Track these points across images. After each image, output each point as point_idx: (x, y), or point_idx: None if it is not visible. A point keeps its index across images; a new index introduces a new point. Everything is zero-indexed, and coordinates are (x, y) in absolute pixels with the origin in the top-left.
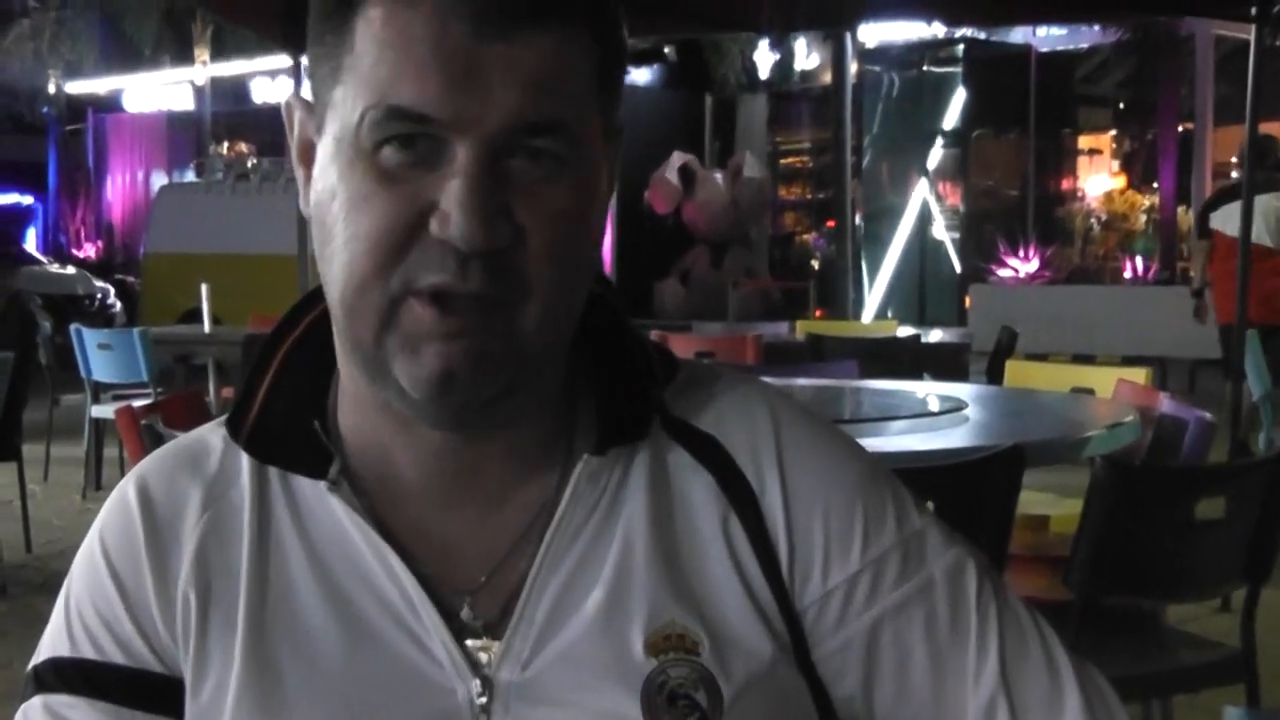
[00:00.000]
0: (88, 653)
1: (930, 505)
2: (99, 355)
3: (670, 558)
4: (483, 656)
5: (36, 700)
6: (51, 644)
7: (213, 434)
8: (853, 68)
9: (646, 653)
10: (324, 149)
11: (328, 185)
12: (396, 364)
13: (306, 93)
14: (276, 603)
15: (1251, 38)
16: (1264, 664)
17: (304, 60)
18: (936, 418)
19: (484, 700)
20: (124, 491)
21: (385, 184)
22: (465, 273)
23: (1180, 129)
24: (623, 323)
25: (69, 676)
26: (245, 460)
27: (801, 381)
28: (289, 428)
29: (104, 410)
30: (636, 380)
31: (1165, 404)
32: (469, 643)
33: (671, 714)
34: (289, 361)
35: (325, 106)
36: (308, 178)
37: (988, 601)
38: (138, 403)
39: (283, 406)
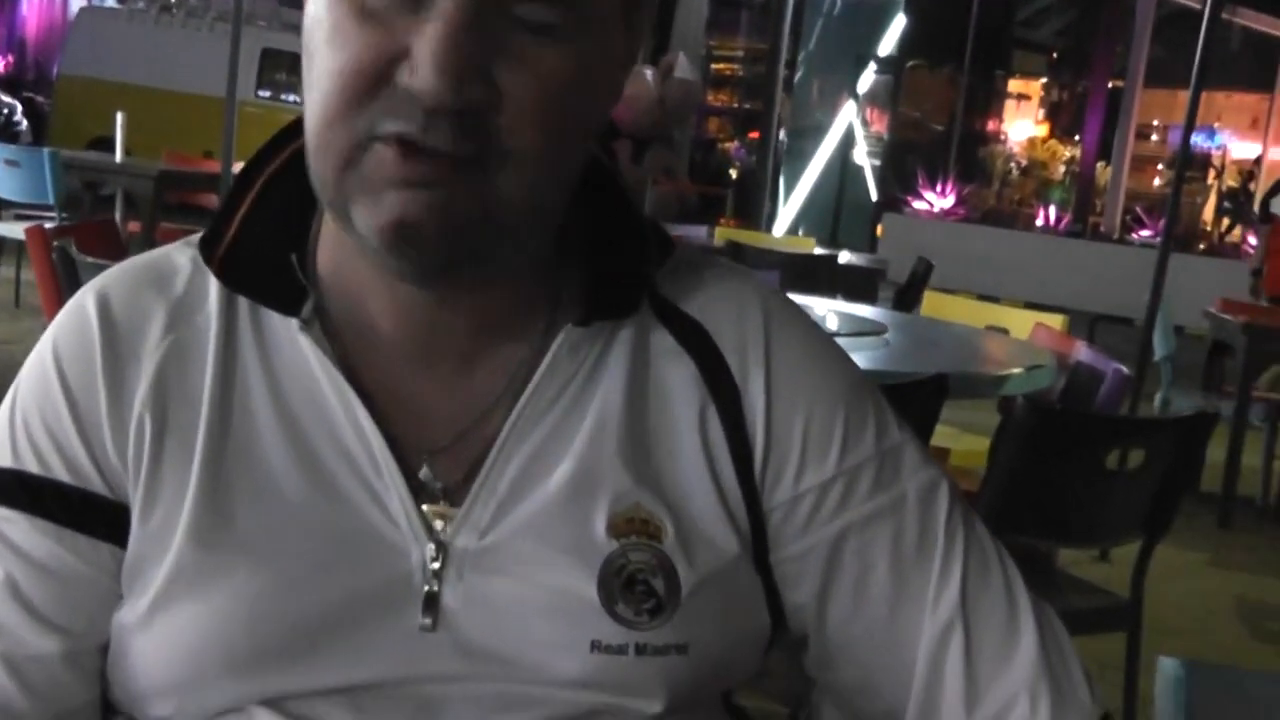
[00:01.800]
0: (31, 466)
1: None
2: (5, 171)
3: (642, 440)
4: (439, 522)
5: None
6: None
7: (180, 254)
8: None
9: (608, 533)
10: None
11: (315, 12)
12: (355, 207)
13: None
14: (236, 438)
15: (1206, 4)
16: (1146, 617)
17: None
18: (858, 339)
19: (437, 566)
20: (82, 302)
21: (364, 20)
22: (429, 126)
23: (1110, 85)
24: (623, 195)
25: (9, 489)
26: (214, 286)
27: None
28: (264, 259)
29: (11, 229)
30: (630, 256)
31: (1083, 352)
32: (425, 507)
33: (627, 598)
34: (269, 190)
35: None
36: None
37: (956, 526)
38: (46, 224)
39: (259, 235)
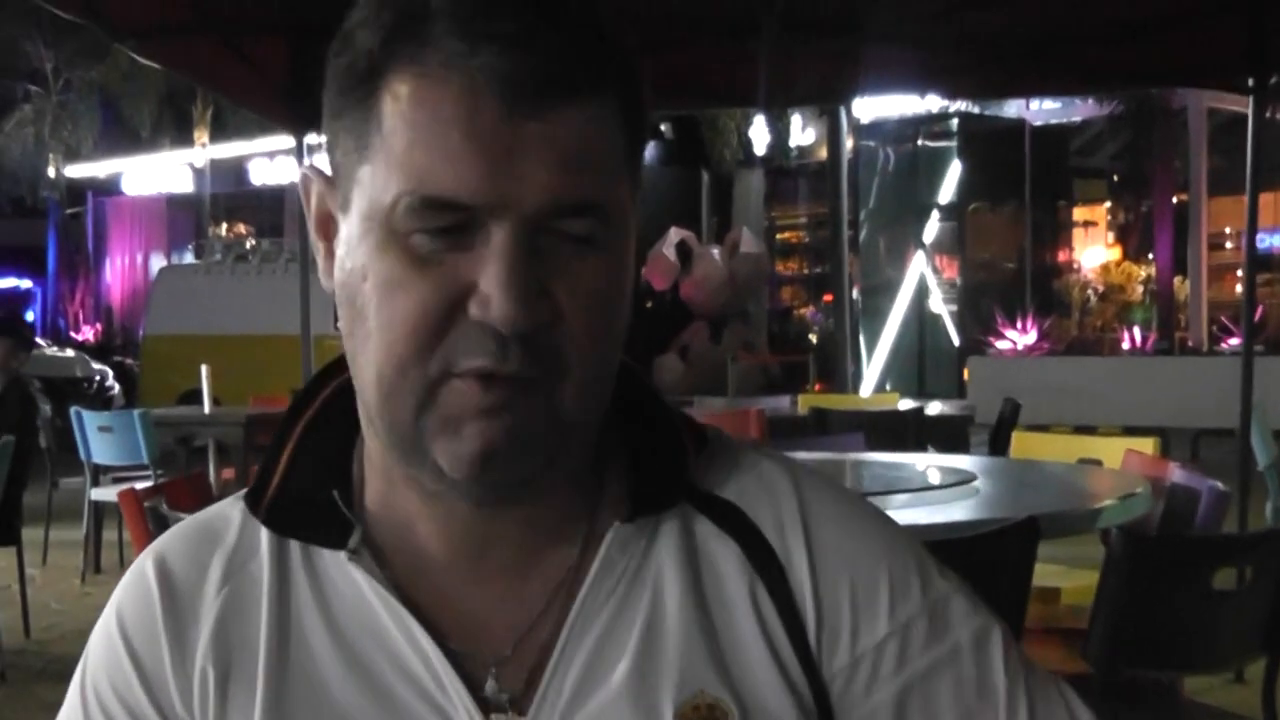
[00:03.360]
0: None
1: None
2: (99, 437)
3: (700, 626)
4: None
5: None
6: None
7: (231, 508)
8: (848, 142)
9: None
10: (350, 226)
11: (357, 265)
12: (436, 445)
13: (322, 165)
14: (297, 675)
15: (1249, 110)
16: None
17: (310, 139)
18: (947, 490)
19: None
20: (142, 567)
21: (420, 267)
22: (506, 354)
23: (1175, 200)
24: (652, 394)
25: None
26: (264, 533)
27: (808, 456)
28: (308, 500)
29: (104, 493)
30: (666, 451)
31: (1176, 474)
32: (494, 717)
33: None
34: (308, 435)
35: (351, 182)
36: (329, 252)
37: (1016, 668)
38: (139, 485)
39: (302, 479)
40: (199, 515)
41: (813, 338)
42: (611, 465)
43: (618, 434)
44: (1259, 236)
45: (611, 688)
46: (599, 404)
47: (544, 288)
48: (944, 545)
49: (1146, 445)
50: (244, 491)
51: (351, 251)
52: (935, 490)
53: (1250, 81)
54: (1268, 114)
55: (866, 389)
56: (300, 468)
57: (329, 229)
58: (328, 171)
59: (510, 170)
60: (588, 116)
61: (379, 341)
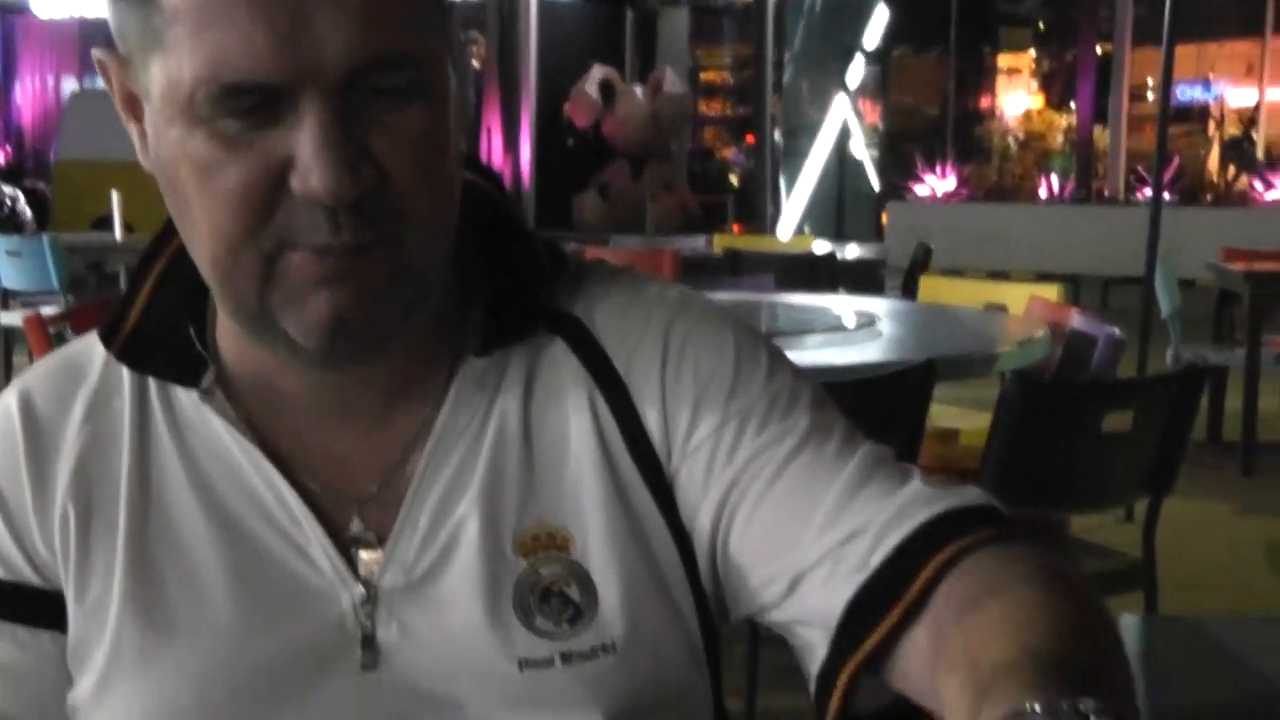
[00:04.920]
0: None
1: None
2: (8, 262)
3: (538, 454)
4: (366, 564)
5: None
6: None
7: (96, 344)
8: None
9: (516, 553)
10: (153, 110)
11: (170, 151)
12: (284, 318)
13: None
14: (157, 516)
15: None
16: (1165, 573)
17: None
18: (850, 332)
19: (368, 607)
20: (6, 403)
21: (232, 149)
22: (337, 226)
23: (1099, 49)
24: (510, 221)
25: None
26: (126, 371)
27: (719, 296)
28: (164, 338)
29: (12, 318)
30: (522, 279)
31: (1076, 320)
32: (364, 554)
33: (545, 611)
34: (166, 274)
35: (143, 67)
36: (141, 132)
37: (856, 439)
38: (47, 310)
39: (158, 317)
40: (64, 350)
41: (733, 179)
42: (475, 298)
43: (480, 263)
44: (1179, 88)
45: (462, 521)
46: (442, 247)
47: (364, 150)
48: (843, 386)
49: (1051, 292)
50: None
51: (161, 135)
52: (837, 332)
53: None
54: None
55: (785, 231)
56: (157, 306)
57: (136, 109)
58: (120, 50)
59: (306, 39)
60: None
61: (206, 225)
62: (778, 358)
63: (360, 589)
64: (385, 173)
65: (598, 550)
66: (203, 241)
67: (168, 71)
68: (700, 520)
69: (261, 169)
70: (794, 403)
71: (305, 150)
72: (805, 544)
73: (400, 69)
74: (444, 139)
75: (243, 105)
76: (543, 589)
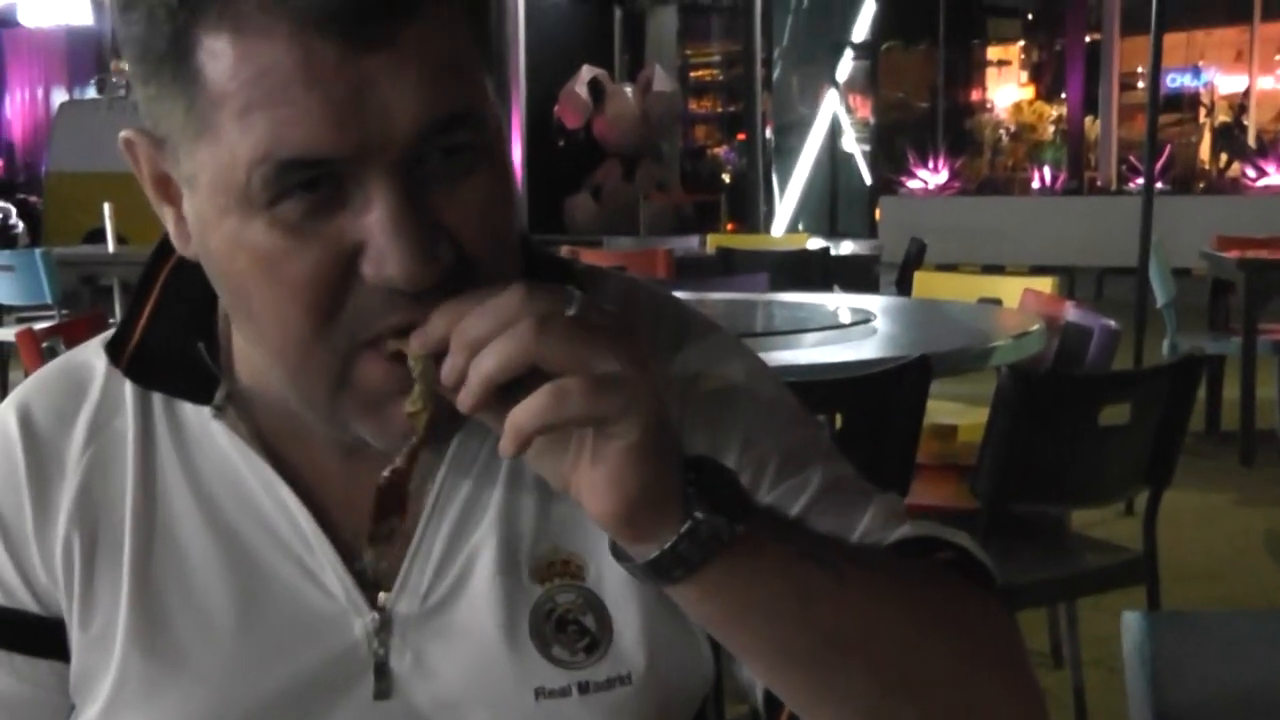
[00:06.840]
0: None
1: (840, 417)
2: (1, 278)
3: None
4: (380, 592)
5: None
6: None
7: (95, 356)
8: None
9: (532, 579)
10: (201, 199)
11: (224, 242)
12: (359, 423)
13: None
14: (162, 540)
15: None
16: (1166, 566)
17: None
18: (845, 330)
19: (381, 634)
20: (5, 419)
21: (296, 237)
22: (421, 310)
23: (1088, 39)
24: (530, 248)
25: None
26: (129, 386)
27: (713, 296)
28: (172, 353)
29: (5, 333)
30: None
31: (1071, 312)
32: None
33: (561, 640)
34: (171, 285)
35: (187, 155)
36: (178, 217)
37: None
38: (40, 324)
39: (164, 332)
40: (63, 363)
41: (726, 177)
42: None
43: None
44: (1169, 77)
45: (477, 547)
46: None
47: (437, 225)
48: (838, 384)
49: (1045, 285)
50: (105, 336)
51: (209, 225)
52: (832, 330)
53: None
54: None
55: (779, 228)
56: (162, 318)
57: (170, 191)
58: (152, 131)
59: (368, 109)
60: (432, 29)
61: (270, 319)
62: (793, 406)
63: (374, 616)
64: (460, 245)
65: (612, 578)
66: (267, 336)
67: (218, 159)
68: None
69: (329, 257)
70: (810, 455)
71: (378, 235)
72: None
73: (464, 127)
74: (509, 197)
75: (302, 182)
76: (559, 617)
